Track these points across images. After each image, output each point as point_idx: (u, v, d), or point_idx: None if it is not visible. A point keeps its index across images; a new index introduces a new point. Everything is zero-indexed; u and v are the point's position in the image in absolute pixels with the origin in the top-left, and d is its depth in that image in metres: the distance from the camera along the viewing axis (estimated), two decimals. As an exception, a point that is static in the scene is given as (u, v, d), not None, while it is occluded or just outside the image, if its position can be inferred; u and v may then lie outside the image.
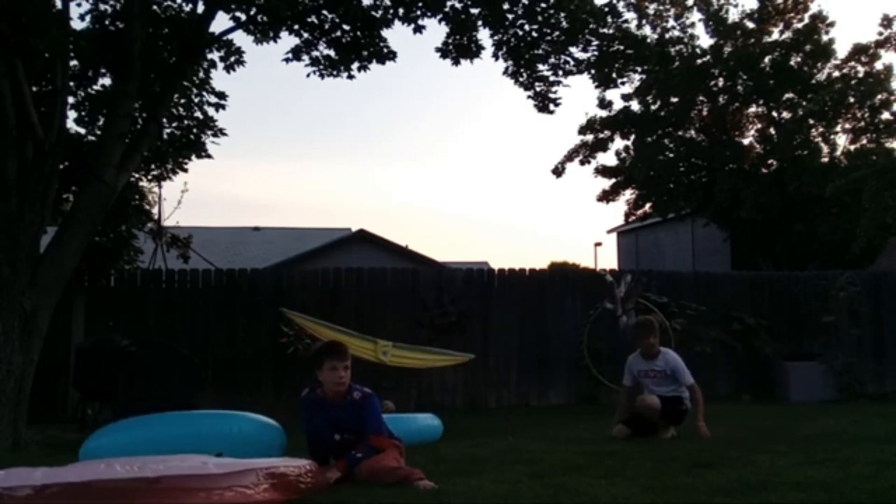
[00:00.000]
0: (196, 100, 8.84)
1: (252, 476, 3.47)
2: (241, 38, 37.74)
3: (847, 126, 18.51)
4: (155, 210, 10.17)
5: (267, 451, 4.57)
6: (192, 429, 4.99)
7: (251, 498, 3.39)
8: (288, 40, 8.65)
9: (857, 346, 10.87)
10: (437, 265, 19.17)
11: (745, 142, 19.56)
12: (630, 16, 16.86)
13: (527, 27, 8.75)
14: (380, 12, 8.30)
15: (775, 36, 18.52)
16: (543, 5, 8.44)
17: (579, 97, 53.93)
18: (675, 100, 18.89)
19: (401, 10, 8.19)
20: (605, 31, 9.13)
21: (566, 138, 62.09)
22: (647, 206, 21.33)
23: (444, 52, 8.81)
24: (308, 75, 8.90)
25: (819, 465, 4.35)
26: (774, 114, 19.11)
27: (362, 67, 8.76)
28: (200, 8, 8.03)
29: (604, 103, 19.56)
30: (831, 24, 18.18)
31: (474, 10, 8.45)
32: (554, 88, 9.43)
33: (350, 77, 8.79)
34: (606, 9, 8.85)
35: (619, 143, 20.15)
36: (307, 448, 4.44)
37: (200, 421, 5.29)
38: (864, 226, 14.13)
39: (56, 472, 3.27)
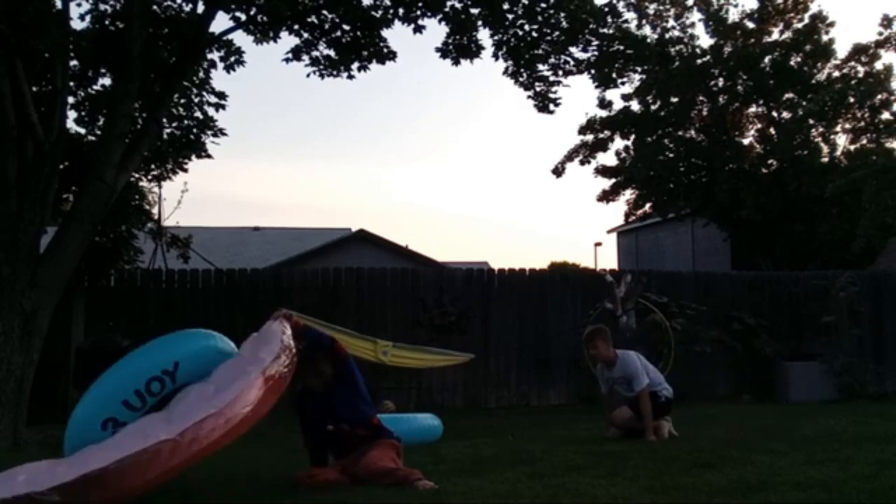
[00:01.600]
0: (196, 100, 8.84)
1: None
2: (241, 38, 37.73)
3: (847, 126, 18.49)
4: (155, 210, 10.17)
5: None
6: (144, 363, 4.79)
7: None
8: (288, 40, 8.66)
9: (857, 346, 10.87)
10: (437, 265, 19.17)
11: (745, 142, 19.56)
12: (630, 16, 16.87)
13: (527, 27, 8.75)
14: (380, 12, 8.30)
15: (775, 36, 18.52)
16: (543, 5, 8.44)
17: (579, 97, 53.91)
18: (675, 100, 18.87)
19: (401, 10, 8.19)
20: (605, 31, 9.12)
21: (566, 138, 62.12)
22: (647, 206, 21.31)
23: (444, 52, 8.81)
24: (308, 75, 8.91)
25: (819, 465, 4.35)
26: (774, 114, 19.10)
27: (362, 67, 8.76)
28: (200, 8, 8.04)
29: (604, 103, 19.56)
30: (831, 24, 18.18)
31: (474, 10, 8.45)
32: (554, 88, 9.44)
33: (350, 77, 8.79)
34: (606, 9, 8.85)
35: (619, 143, 20.16)
36: (305, 443, 4.47)
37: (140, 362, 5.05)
38: (864, 226, 14.12)
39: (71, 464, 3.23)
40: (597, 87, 13.06)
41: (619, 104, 19.60)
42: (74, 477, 3.05)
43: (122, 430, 3.76)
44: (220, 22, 44.76)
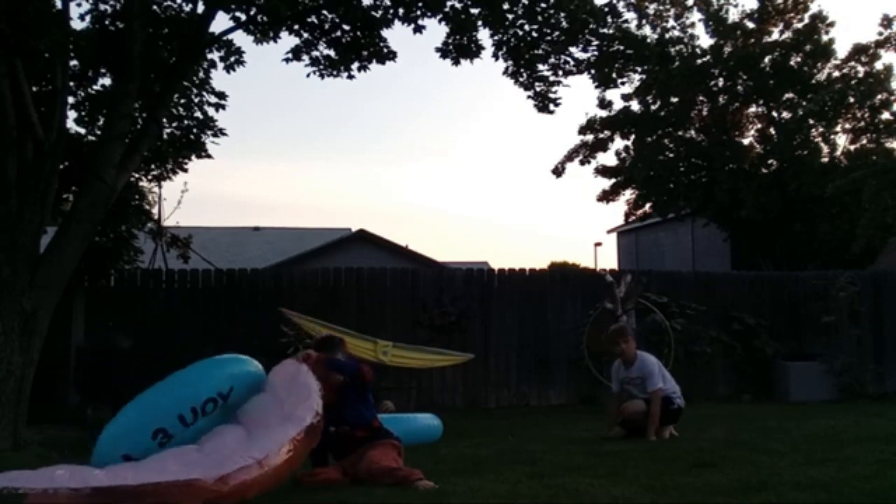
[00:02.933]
0: (196, 100, 8.82)
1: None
2: (241, 38, 37.73)
3: (847, 126, 18.47)
4: (155, 210, 10.17)
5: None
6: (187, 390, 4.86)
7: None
8: (288, 40, 8.66)
9: (857, 346, 10.87)
10: (437, 265, 19.17)
11: (745, 142, 19.52)
12: (630, 16, 16.71)
13: (527, 27, 8.75)
14: (380, 12, 8.30)
15: (775, 36, 18.49)
16: (543, 5, 8.44)
17: (579, 97, 53.82)
18: (675, 100, 18.85)
19: (401, 10, 8.19)
20: (605, 31, 9.12)
21: (566, 138, 62.11)
22: (647, 206, 21.30)
23: (444, 52, 8.80)
24: (308, 75, 8.90)
25: (819, 465, 4.36)
26: (774, 114, 19.08)
27: (362, 67, 8.76)
28: (200, 8, 8.03)
29: (604, 103, 19.52)
30: (831, 24, 18.15)
31: (474, 10, 8.45)
32: (554, 88, 9.43)
33: (350, 77, 8.79)
34: (606, 9, 8.85)
35: (619, 143, 20.11)
36: None
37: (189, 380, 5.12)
38: (864, 226, 14.10)
39: (116, 473, 3.36)
40: (597, 87, 13.07)
41: (619, 104, 19.58)
42: (110, 484, 3.21)
43: (160, 455, 3.91)
44: (220, 22, 44.81)
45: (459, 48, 8.76)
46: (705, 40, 18.82)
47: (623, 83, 15.41)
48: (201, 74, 8.68)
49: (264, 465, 3.55)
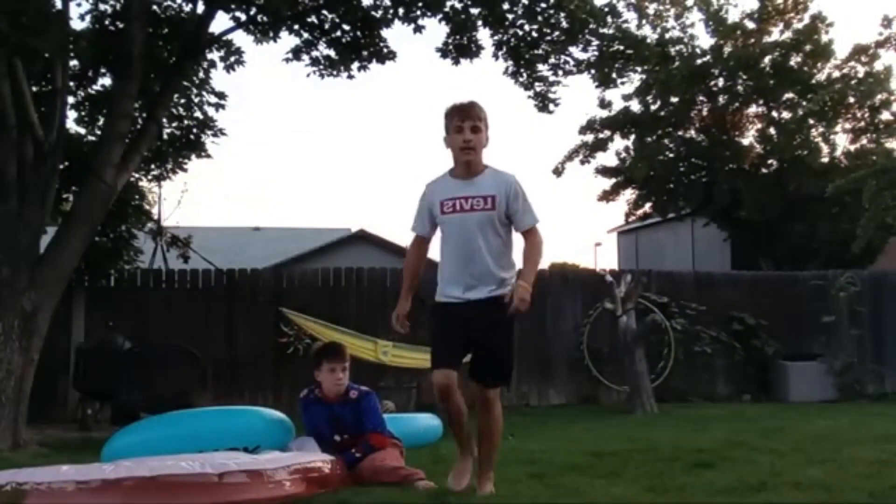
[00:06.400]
0: (196, 100, 8.83)
1: (295, 470, 3.74)
2: (241, 38, 37.71)
3: (847, 126, 18.47)
4: (155, 210, 10.18)
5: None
6: (217, 424, 4.97)
7: (297, 489, 3.66)
8: (288, 40, 8.66)
9: (857, 346, 10.87)
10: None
11: (745, 142, 19.52)
12: (630, 16, 16.66)
13: (527, 27, 8.75)
14: (380, 12, 8.30)
15: (775, 36, 18.48)
16: (543, 5, 8.44)
17: (579, 97, 53.71)
18: (675, 100, 18.85)
19: (401, 10, 8.20)
20: (605, 31, 9.11)
21: (566, 138, 62.00)
22: (647, 206, 21.31)
23: (444, 52, 8.80)
24: (308, 75, 8.91)
25: (819, 465, 4.36)
26: (774, 114, 19.07)
27: (362, 67, 8.76)
28: (200, 8, 8.03)
29: (604, 103, 19.52)
30: (831, 25, 18.13)
31: (474, 10, 8.45)
32: (554, 88, 9.42)
33: (350, 77, 8.79)
34: (606, 9, 8.84)
35: (619, 143, 20.11)
36: None
37: (224, 417, 5.26)
38: (864, 226, 14.09)
39: (122, 467, 3.36)
40: (597, 87, 13.08)
41: (619, 104, 19.58)
42: (120, 476, 3.22)
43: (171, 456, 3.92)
44: (220, 22, 44.73)
45: (459, 48, 8.75)
46: (705, 40, 18.84)
47: (623, 83, 15.35)
48: (201, 74, 8.68)
49: (266, 475, 3.56)
